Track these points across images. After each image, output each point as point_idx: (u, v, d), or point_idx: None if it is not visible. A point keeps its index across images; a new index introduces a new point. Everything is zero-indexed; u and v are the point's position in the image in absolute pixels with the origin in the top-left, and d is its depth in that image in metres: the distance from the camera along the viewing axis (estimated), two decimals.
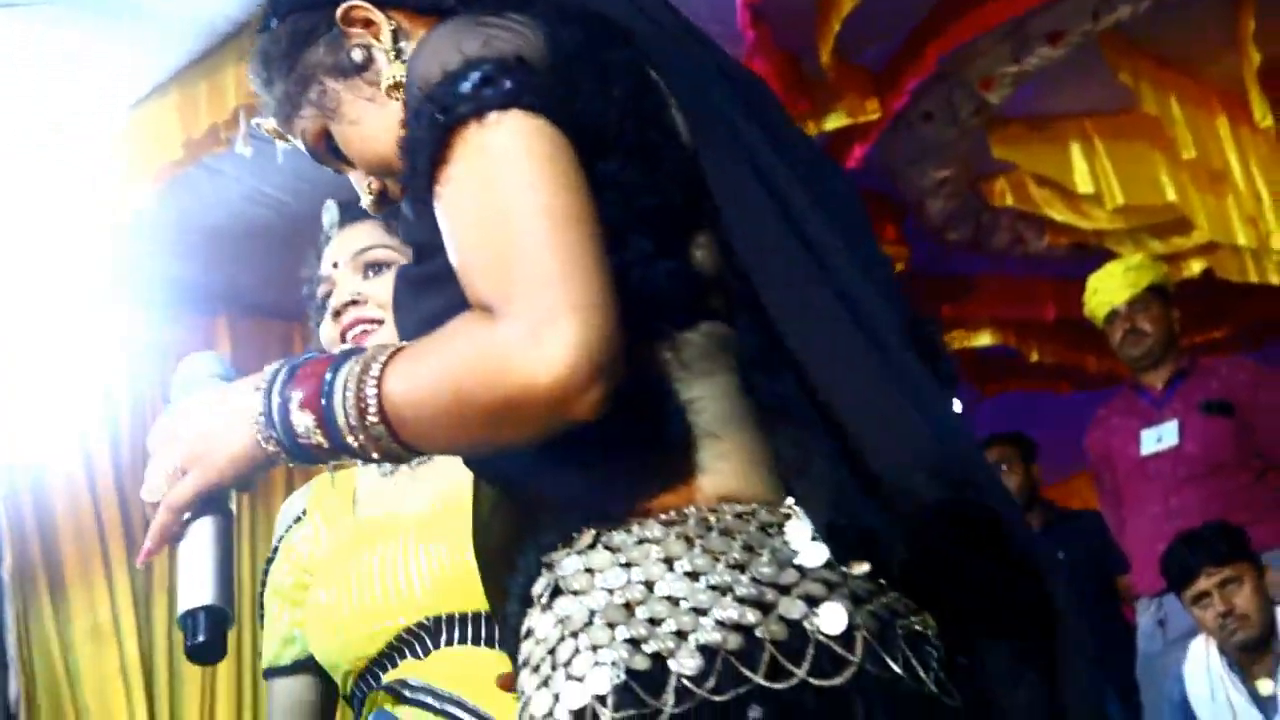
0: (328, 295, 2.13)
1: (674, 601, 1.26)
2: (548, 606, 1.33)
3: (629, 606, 1.27)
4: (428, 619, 1.94)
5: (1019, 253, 6.22)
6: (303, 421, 1.31)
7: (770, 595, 1.26)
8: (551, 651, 1.30)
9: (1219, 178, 5.43)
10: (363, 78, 1.50)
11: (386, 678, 1.96)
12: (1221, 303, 6.33)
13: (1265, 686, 4.30)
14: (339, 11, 1.50)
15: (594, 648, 1.27)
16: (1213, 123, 5.38)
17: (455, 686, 1.90)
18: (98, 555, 5.36)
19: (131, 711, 5.28)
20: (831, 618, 1.25)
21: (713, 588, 1.26)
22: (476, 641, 1.93)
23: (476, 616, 1.92)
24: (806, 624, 1.25)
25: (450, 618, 1.94)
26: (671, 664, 1.23)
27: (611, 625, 1.27)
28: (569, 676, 1.27)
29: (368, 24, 1.50)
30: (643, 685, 1.24)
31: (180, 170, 4.54)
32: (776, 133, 1.43)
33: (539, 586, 1.35)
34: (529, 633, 1.35)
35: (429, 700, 1.91)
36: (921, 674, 1.28)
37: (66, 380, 5.31)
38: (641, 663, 1.24)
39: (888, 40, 4.97)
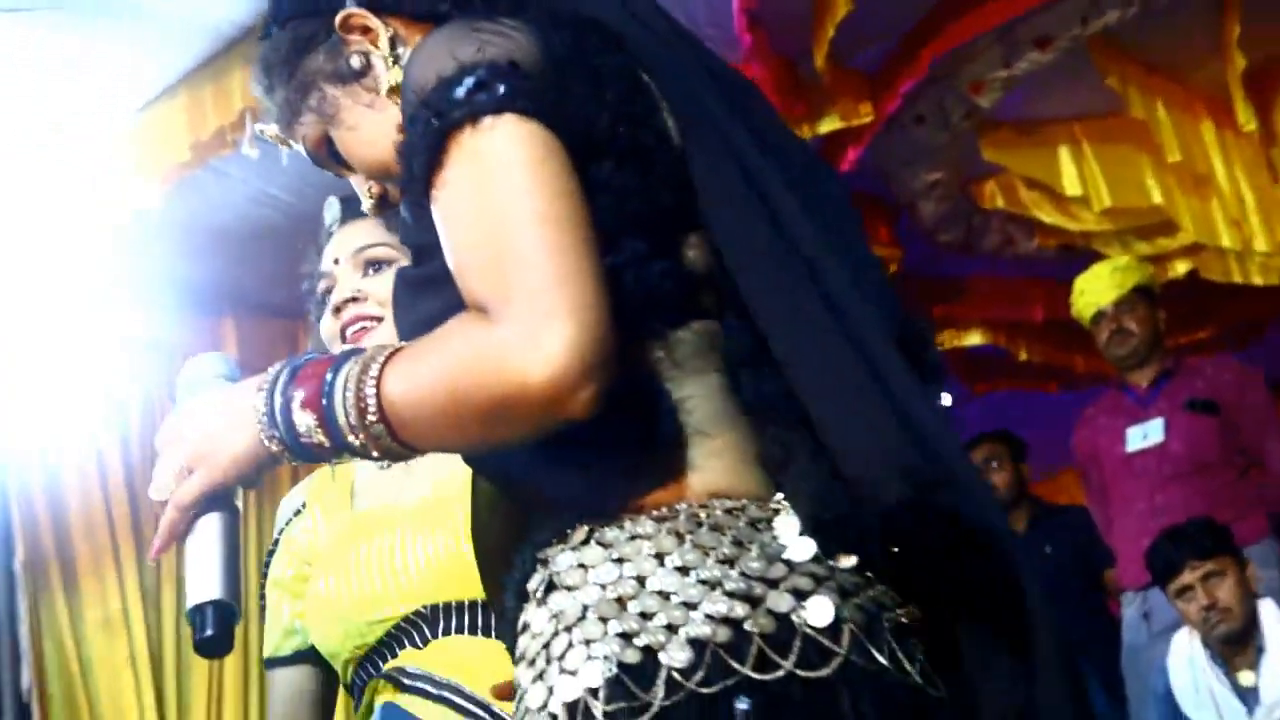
0: (328, 291, 2.13)
1: (665, 596, 1.27)
2: (542, 601, 1.33)
3: (621, 601, 1.28)
4: (425, 608, 1.95)
5: (1009, 254, 6.22)
6: (304, 421, 1.31)
7: (759, 589, 1.27)
8: (546, 646, 1.31)
9: (1204, 181, 5.43)
10: (361, 84, 1.50)
11: (386, 666, 1.96)
12: (1206, 303, 6.33)
13: (1246, 678, 4.30)
14: (338, 19, 1.50)
15: (587, 642, 1.27)
16: (1198, 127, 5.38)
17: (453, 674, 1.90)
18: (108, 549, 5.36)
19: (140, 701, 5.28)
20: (819, 611, 1.26)
21: (703, 582, 1.27)
22: (474, 630, 1.92)
23: (474, 605, 1.92)
24: (794, 617, 1.26)
25: (448, 606, 1.94)
26: (662, 657, 1.24)
27: (604, 620, 1.27)
28: (562, 670, 1.28)
29: (365, 31, 1.50)
30: (633, 678, 1.24)
31: (187, 172, 4.53)
32: (766, 135, 1.43)
33: (534, 582, 1.36)
34: (525, 627, 1.36)
35: (427, 688, 1.91)
36: (907, 665, 1.28)
37: (77, 378, 5.30)
38: (633, 656, 1.25)
39: (881, 45, 4.96)
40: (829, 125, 5.01)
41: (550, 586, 1.33)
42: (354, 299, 2.08)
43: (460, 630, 1.94)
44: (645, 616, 1.26)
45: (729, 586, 1.27)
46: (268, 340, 5.57)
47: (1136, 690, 4.84)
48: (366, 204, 1.58)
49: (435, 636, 1.94)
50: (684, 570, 1.28)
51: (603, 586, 1.29)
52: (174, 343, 5.41)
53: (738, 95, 1.46)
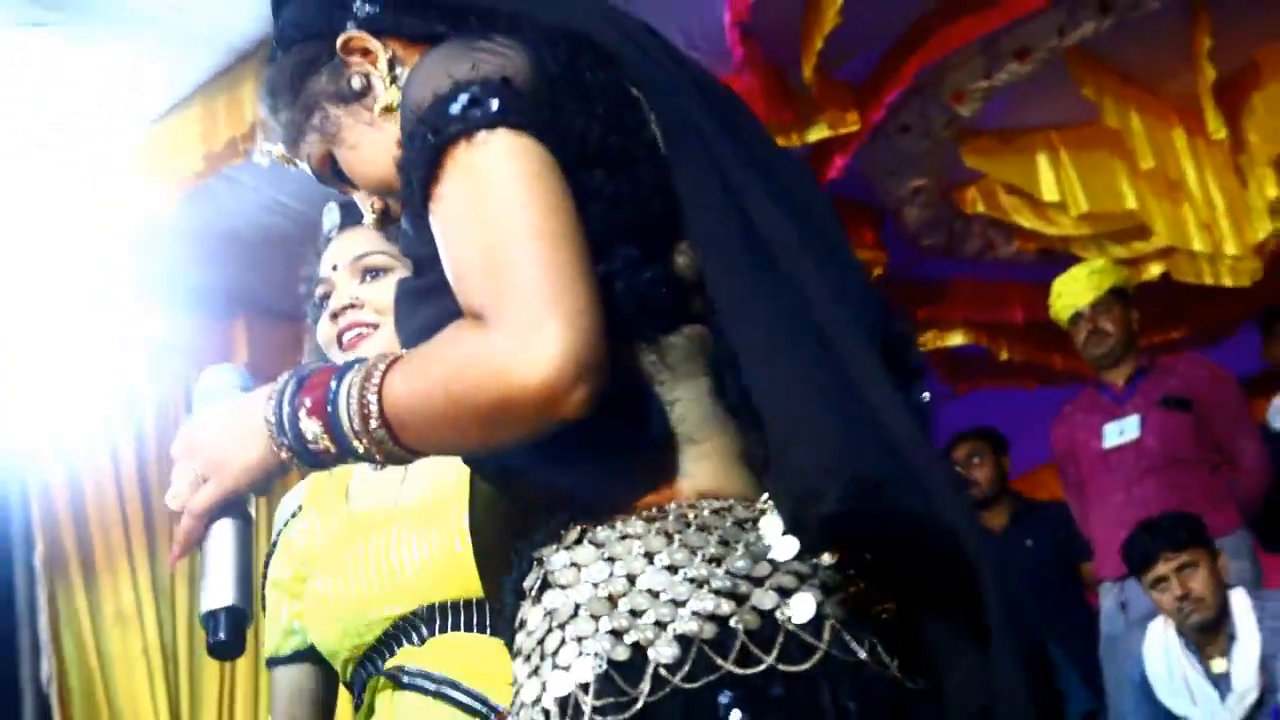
0: (325, 296, 2.11)
1: (654, 594, 1.27)
2: (537, 599, 1.34)
3: (612, 599, 1.28)
4: (422, 607, 1.94)
5: (989, 258, 6.21)
6: (311, 428, 1.32)
7: (744, 587, 1.27)
8: (540, 642, 1.31)
9: (1176, 186, 5.43)
10: (362, 104, 1.50)
11: (385, 665, 1.95)
12: (1179, 304, 6.33)
13: (1219, 665, 4.31)
14: (339, 42, 1.49)
15: (579, 639, 1.28)
16: (1170, 135, 5.39)
17: (451, 671, 1.89)
18: (122, 545, 5.34)
19: (154, 692, 5.27)
20: (801, 607, 1.27)
21: (691, 580, 1.27)
22: (470, 628, 1.92)
23: (469, 604, 1.91)
24: (778, 614, 1.26)
25: (444, 606, 1.93)
26: (651, 653, 1.25)
27: (595, 617, 1.28)
28: (555, 666, 1.29)
29: (365, 53, 1.49)
30: (622, 674, 1.25)
31: (201, 181, 4.52)
32: (753, 147, 1.43)
33: (530, 580, 1.36)
34: (521, 624, 1.36)
35: (425, 684, 1.90)
36: (886, 659, 1.29)
37: (95, 380, 5.30)
38: (622, 653, 1.25)
39: (867, 57, 4.96)
40: (817, 134, 5.01)
41: (545, 585, 1.33)
42: (351, 305, 2.06)
43: (457, 628, 1.93)
44: (635, 614, 1.27)
45: (716, 585, 1.27)
46: (277, 342, 5.56)
47: (1114, 678, 4.85)
48: (369, 219, 1.58)
49: (433, 634, 1.93)
50: (673, 569, 1.28)
51: (595, 585, 1.30)
52: (188, 345, 5.41)
53: (725, 109, 1.46)
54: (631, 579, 1.29)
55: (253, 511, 1.46)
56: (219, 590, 1.42)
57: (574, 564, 1.32)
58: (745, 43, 4.52)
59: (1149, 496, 4.80)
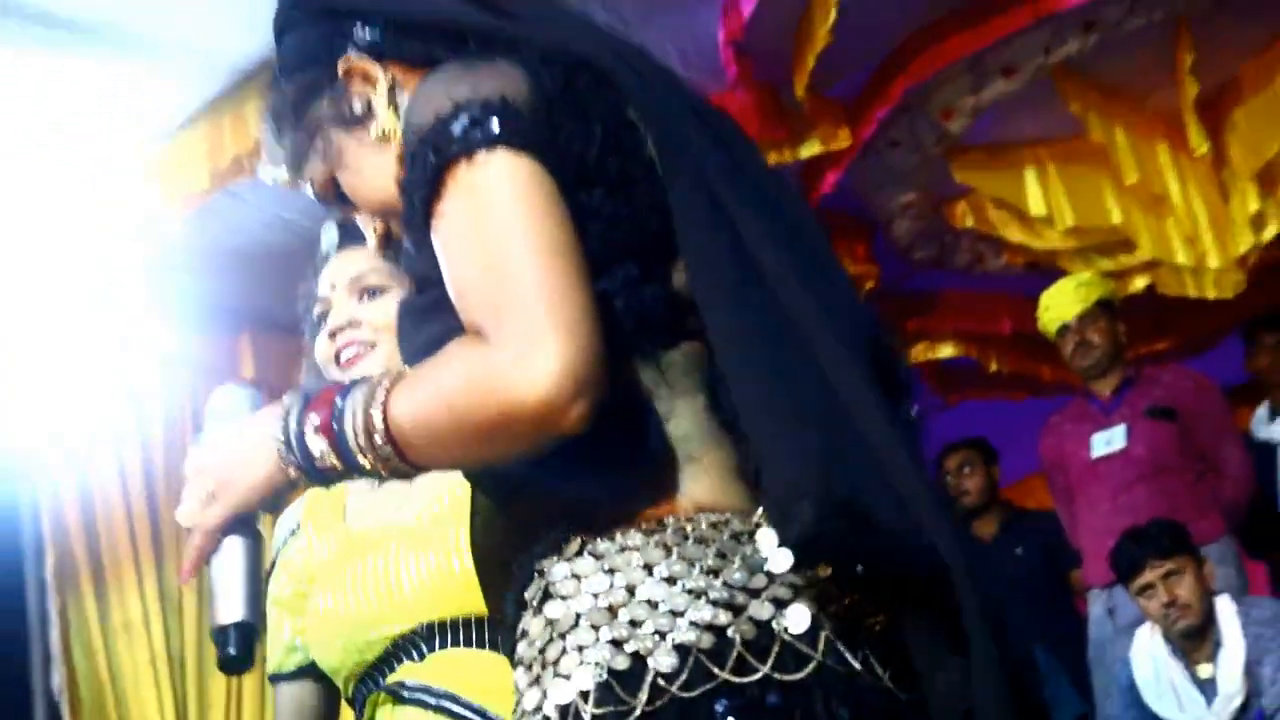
0: (323, 315, 2.09)
1: (653, 604, 1.27)
2: (539, 610, 1.34)
3: (612, 609, 1.28)
4: (421, 625, 1.93)
5: (979, 271, 6.22)
6: (318, 446, 1.32)
7: (741, 598, 1.27)
8: (541, 651, 1.31)
9: (1160, 201, 5.43)
10: (363, 127, 1.50)
11: (386, 680, 1.95)
12: (1164, 316, 6.33)
13: (1204, 670, 4.32)
14: (340, 68, 1.49)
15: (580, 648, 1.28)
16: (1154, 150, 5.39)
17: (450, 685, 1.89)
18: (130, 557, 5.35)
19: (160, 700, 5.27)
20: (797, 618, 1.27)
21: (689, 592, 1.27)
22: (469, 644, 1.91)
23: (468, 622, 1.91)
24: (774, 624, 1.26)
25: (443, 624, 1.92)
26: (650, 662, 1.24)
27: (595, 627, 1.28)
28: (557, 674, 1.29)
29: (366, 78, 1.49)
30: (622, 683, 1.25)
31: (207, 198, 4.53)
32: (743, 167, 1.43)
33: (531, 591, 1.36)
34: (523, 634, 1.36)
35: (426, 698, 1.89)
36: (878, 669, 1.28)
37: (103, 395, 5.30)
38: (622, 662, 1.25)
39: (857, 75, 4.97)
40: (809, 150, 5.02)
41: (546, 596, 1.33)
42: (349, 324, 2.05)
43: (456, 644, 1.92)
44: (635, 624, 1.27)
45: (713, 595, 1.27)
46: (282, 356, 5.55)
47: (1102, 682, 4.86)
48: (370, 240, 1.58)
49: (432, 651, 1.93)
50: (671, 580, 1.28)
51: (595, 595, 1.30)
52: (194, 359, 5.42)
53: (719, 130, 1.46)
54: (631, 590, 1.29)
55: (261, 529, 1.46)
56: (229, 606, 1.43)
57: (575, 575, 1.32)
58: (739, 61, 4.55)
59: (1136, 505, 4.80)
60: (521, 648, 1.35)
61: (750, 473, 1.33)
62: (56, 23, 3.94)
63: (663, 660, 1.24)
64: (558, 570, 1.33)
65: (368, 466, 1.31)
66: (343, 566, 2.02)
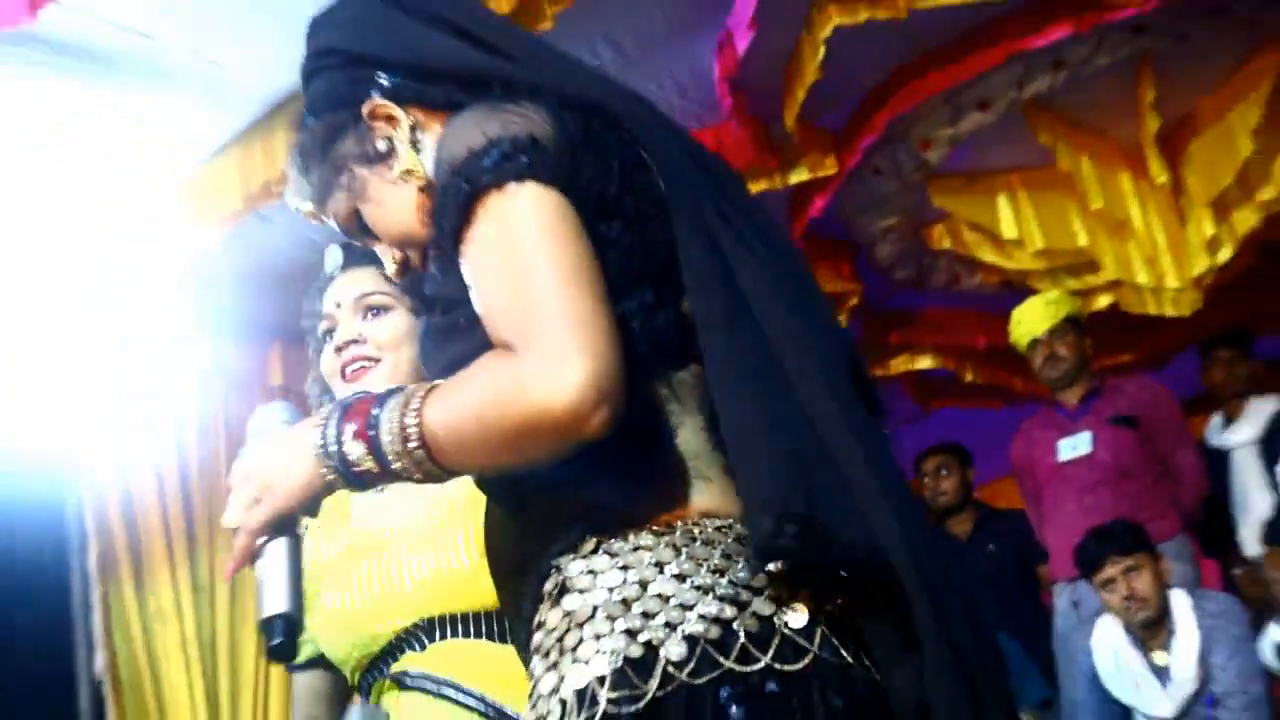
0: (329, 331, 2.08)
1: (664, 599, 1.29)
2: (557, 602, 1.35)
3: (626, 602, 1.30)
4: (423, 619, 1.92)
5: (955, 289, 6.20)
6: (356, 450, 1.32)
7: (745, 595, 1.29)
8: (560, 640, 1.33)
9: (1123, 225, 5.43)
10: (386, 164, 1.50)
11: (391, 669, 1.94)
12: (1126, 332, 6.30)
13: (1160, 658, 4.31)
14: (365, 109, 1.50)
15: (597, 636, 1.30)
16: (1117, 178, 5.38)
17: (451, 673, 1.88)
18: (165, 550, 5.35)
19: (191, 681, 5.26)
20: (796, 614, 1.29)
21: (697, 588, 1.29)
22: (467, 635, 1.91)
23: (465, 616, 1.91)
24: (776, 619, 1.29)
25: (443, 618, 1.92)
26: (662, 651, 1.26)
27: (611, 618, 1.30)
28: (575, 660, 1.30)
29: (390, 119, 1.49)
30: (635, 670, 1.26)
31: (240, 219, 4.53)
32: (734, 202, 1.44)
33: (549, 585, 1.37)
34: (540, 625, 1.37)
35: (428, 686, 1.89)
36: (868, 663, 1.31)
37: (142, 401, 5.31)
38: (636, 650, 1.27)
39: (844, 108, 4.99)
40: (798, 177, 5.03)
41: (563, 590, 1.35)
42: (355, 341, 2.03)
43: (455, 636, 1.91)
44: (648, 616, 1.29)
45: (720, 592, 1.29)
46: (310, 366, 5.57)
47: (1067, 669, 4.85)
48: (390, 269, 1.57)
49: (433, 642, 1.92)
50: (681, 577, 1.30)
51: (610, 589, 1.31)
52: (227, 368, 5.42)
53: (712, 169, 1.48)
54: (644, 585, 1.30)
55: (301, 532, 1.47)
56: (274, 599, 1.44)
57: (591, 571, 1.33)
58: (734, 95, 4.56)
59: (1099, 505, 4.80)
60: (539, 637, 1.36)
61: None
62: (103, 58, 3.97)
63: (673, 649, 1.26)
64: (574, 567, 1.34)
65: (401, 469, 1.31)
66: (348, 565, 2.01)
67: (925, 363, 6.63)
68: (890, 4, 4.21)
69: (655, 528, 1.34)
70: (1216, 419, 5.63)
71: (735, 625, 1.28)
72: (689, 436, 1.37)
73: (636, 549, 1.33)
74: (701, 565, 1.31)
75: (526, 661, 1.45)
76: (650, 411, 1.35)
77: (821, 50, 4.28)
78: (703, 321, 1.35)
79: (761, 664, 1.26)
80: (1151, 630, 4.34)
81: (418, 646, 1.92)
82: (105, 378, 5.19)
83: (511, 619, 1.48)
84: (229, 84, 4.18)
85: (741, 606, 1.29)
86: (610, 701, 1.26)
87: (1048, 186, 5.51)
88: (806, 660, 1.28)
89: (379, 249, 1.58)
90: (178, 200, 4.57)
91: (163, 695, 5.25)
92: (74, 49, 3.91)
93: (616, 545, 1.34)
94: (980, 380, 6.68)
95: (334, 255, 2.12)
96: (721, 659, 1.26)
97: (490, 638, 1.88)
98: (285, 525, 1.44)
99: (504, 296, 1.29)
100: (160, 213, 4.63)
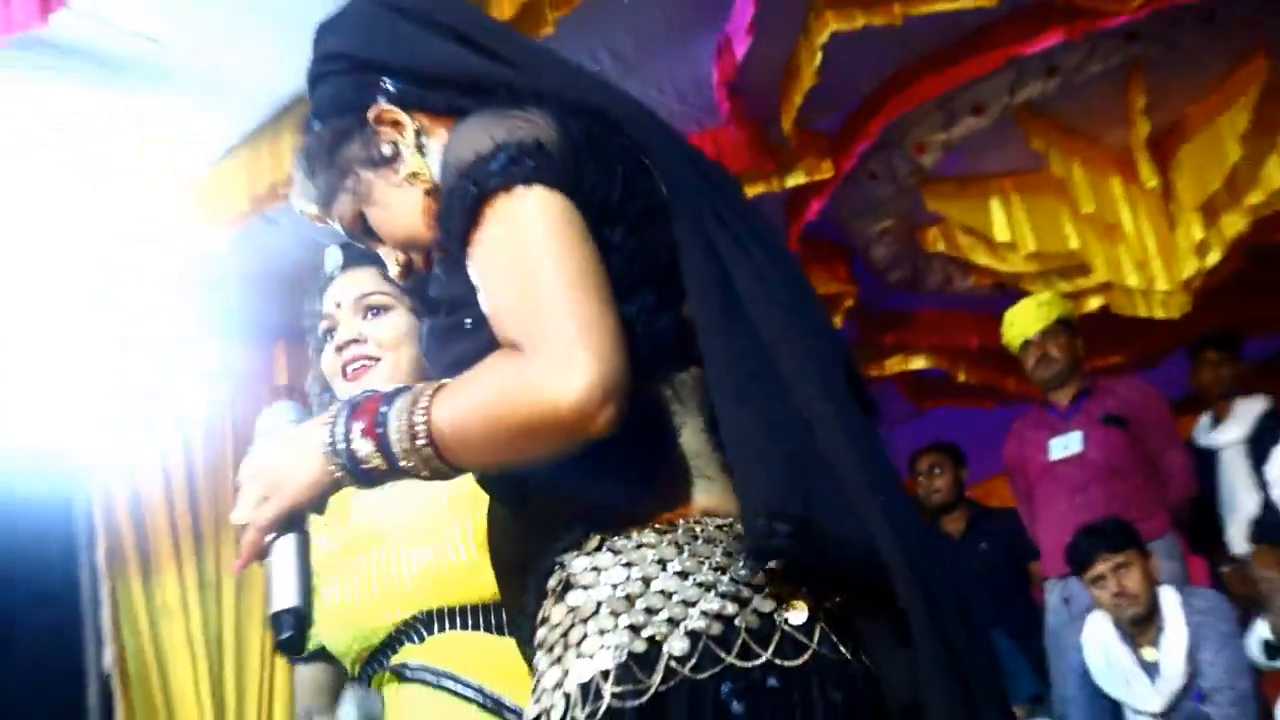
0: (329, 330, 2.07)
1: (667, 595, 1.29)
2: (561, 598, 1.35)
3: (630, 599, 1.30)
4: (421, 612, 1.92)
5: (949, 291, 6.20)
6: (364, 448, 1.32)
7: (746, 592, 1.29)
8: (564, 634, 1.33)
9: (1113, 229, 5.44)
10: (391, 168, 1.50)
11: (390, 662, 1.94)
12: (1116, 334, 6.31)
13: (1149, 653, 4.32)
14: (371, 114, 1.50)
15: (601, 631, 1.30)
16: (1108, 183, 5.39)
17: (448, 664, 1.88)
18: (171, 547, 5.36)
19: (197, 674, 5.27)
20: (796, 611, 1.29)
21: (699, 585, 1.29)
22: (465, 628, 1.91)
23: (463, 609, 1.90)
24: (776, 616, 1.29)
25: (440, 611, 1.92)
26: (665, 646, 1.26)
27: (615, 614, 1.29)
28: (579, 655, 1.30)
29: (395, 124, 1.49)
30: (639, 665, 1.26)
31: (246, 221, 4.53)
32: (732, 207, 1.44)
33: (553, 581, 1.37)
34: (544, 620, 1.37)
35: (427, 677, 1.89)
36: (865, 659, 1.31)
37: (149, 400, 5.31)
38: (640, 646, 1.27)
39: (840, 112, 4.99)
40: (795, 180, 5.03)
41: (568, 586, 1.35)
42: (355, 340, 2.03)
43: (453, 628, 1.91)
44: (651, 612, 1.29)
45: (722, 589, 1.29)
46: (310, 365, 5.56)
47: (1058, 664, 4.85)
48: (393, 271, 1.57)
49: (431, 634, 1.92)
50: (683, 575, 1.30)
51: (614, 586, 1.31)
52: (233, 368, 5.42)
53: (711, 175, 1.48)
54: (647, 582, 1.30)
55: (309, 529, 1.47)
56: (283, 594, 1.44)
57: (595, 568, 1.33)
58: (732, 100, 4.56)
59: (1090, 504, 4.81)
60: (543, 632, 1.36)
61: None
62: (113, 64, 3.97)
63: (676, 644, 1.26)
64: (578, 563, 1.34)
65: (409, 467, 1.32)
66: (347, 560, 2.01)
67: (919, 363, 6.64)
68: (886, 10, 4.22)
69: (658, 526, 1.34)
70: (1205, 419, 5.64)
71: (737, 621, 1.27)
72: (690, 437, 1.37)
73: (639, 546, 1.33)
74: (704, 563, 1.31)
75: (528, 656, 1.44)
76: (653, 412, 1.35)
77: (818, 56, 4.28)
78: (702, 325, 1.35)
79: (762, 659, 1.26)
80: (1141, 626, 4.34)
81: (416, 639, 1.92)
82: (113, 378, 5.19)
83: (514, 614, 1.48)
84: (234, 87, 4.19)
85: (743, 603, 1.29)
86: (614, 695, 1.26)
87: (1040, 191, 5.51)
88: (806, 656, 1.27)
89: (382, 251, 1.58)
90: (185, 202, 4.56)
91: (169, 688, 5.26)
92: (82, 53, 3.91)
93: (620, 543, 1.34)
94: (973, 380, 6.69)
95: (333, 256, 2.11)
96: (723, 654, 1.26)
97: (488, 630, 1.89)
98: (293, 522, 1.44)
99: (512, 297, 1.29)
100: (168, 214, 4.63)
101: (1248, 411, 5.46)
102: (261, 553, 1.44)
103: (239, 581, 5.34)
